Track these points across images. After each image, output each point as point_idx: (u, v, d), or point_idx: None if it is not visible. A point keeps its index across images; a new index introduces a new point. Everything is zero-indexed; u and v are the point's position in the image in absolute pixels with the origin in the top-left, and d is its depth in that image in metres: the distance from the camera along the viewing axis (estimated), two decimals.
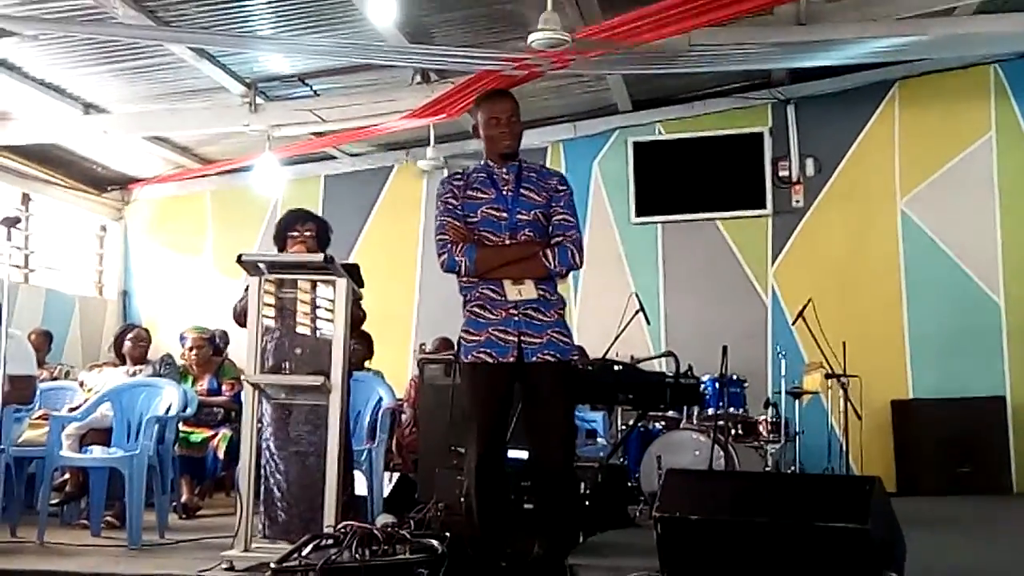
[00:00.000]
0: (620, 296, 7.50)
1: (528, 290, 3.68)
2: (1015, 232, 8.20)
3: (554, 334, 3.71)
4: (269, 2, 6.53)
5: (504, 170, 3.81)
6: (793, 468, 7.19)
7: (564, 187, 3.84)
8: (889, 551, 3.32)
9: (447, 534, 3.78)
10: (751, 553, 3.29)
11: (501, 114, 3.79)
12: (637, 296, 7.12)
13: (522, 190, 3.77)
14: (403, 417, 6.78)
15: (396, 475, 6.21)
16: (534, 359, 3.67)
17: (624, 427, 6.90)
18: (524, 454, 3.78)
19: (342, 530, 3.68)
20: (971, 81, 8.39)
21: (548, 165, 9.08)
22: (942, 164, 8.40)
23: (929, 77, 8.43)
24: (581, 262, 3.77)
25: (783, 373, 7.50)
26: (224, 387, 6.88)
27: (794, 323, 7.78)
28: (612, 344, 6.67)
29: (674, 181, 8.95)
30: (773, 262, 8.73)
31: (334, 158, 9.86)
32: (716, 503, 3.44)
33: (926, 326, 8.26)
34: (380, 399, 5.83)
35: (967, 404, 7.82)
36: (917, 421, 7.96)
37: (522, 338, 3.67)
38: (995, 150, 8.32)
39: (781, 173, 8.67)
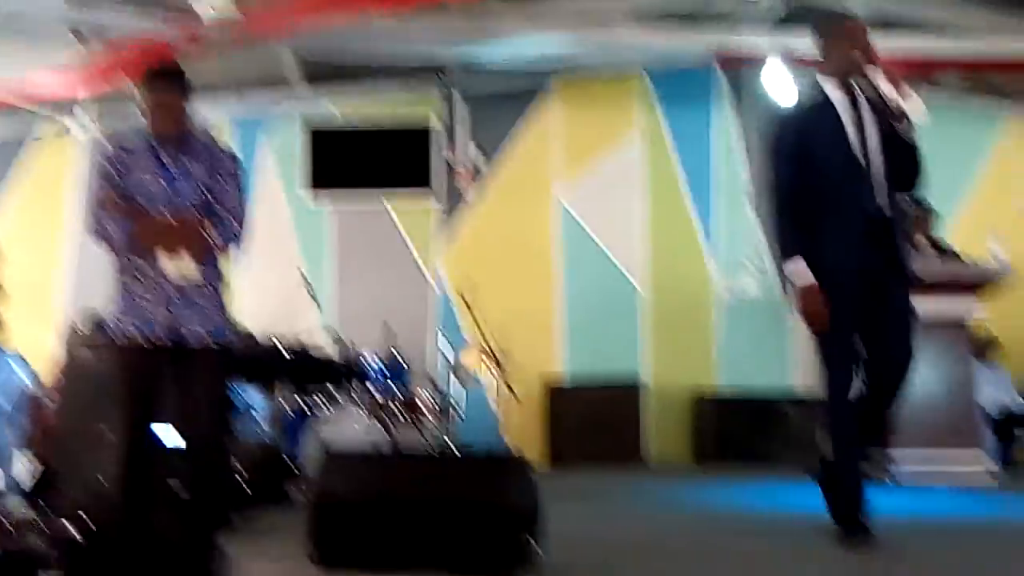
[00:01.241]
0: (289, 277, 7.42)
1: (186, 268, 3.55)
2: (658, 226, 8.98)
3: (211, 315, 3.62)
4: None
5: (170, 144, 3.67)
6: (454, 447, 7.44)
7: (232, 164, 3.75)
8: (531, 523, 3.53)
9: (88, 521, 3.59)
10: (402, 532, 3.39)
11: (161, 102, 3.63)
12: (302, 273, 7.08)
13: (186, 165, 3.64)
14: (48, 403, 6.32)
15: (40, 467, 5.78)
16: (189, 340, 3.56)
17: (287, 408, 6.84)
18: (178, 437, 3.66)
19: None
20: (623, 86, 9.06)
21: (217, 139, 8.80)
22: (595, 160, 9.01)
23: (585, 80, 8.98)
24: (243, 240, 3.70)
25: (447, 355, 7.75)
26: None
27: (459, 307, 8.05)
28: (276, 324, 6.59)
29: (347, 163, 9.00)
30: (441, 248, 8.98)
31: None
32: (369, 484, 3.51)
33: (577, 312, 8.85)
34: (18, 383, 5.41)
35: (610, 384, 8.49)
36: (567, 400, 8.51)
37: (177, 318, 3.55)
38: (641, 151, 9.04)
39: (450, 162, 8.94)
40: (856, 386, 4.12)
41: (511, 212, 8.97)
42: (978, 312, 6.82)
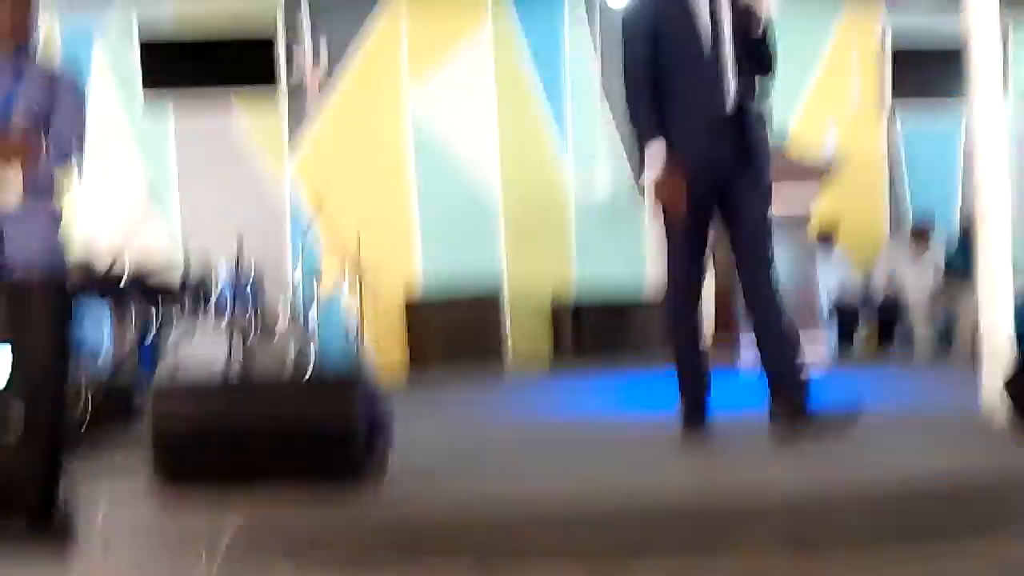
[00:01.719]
0: (130, 191, 7.04)
1: (13, 184, 3.30)
2: (510, 130, 8.88)
3: (43, 236, 3.38)
4: None
5: (6, 54, 3.37)
6: (311, 364, 7.29)
7: (73, 95, 3.45)
8: (372, 447, 3.47)
9: None
10: (246, 462, 3.30)
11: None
12: (145, 185, 6.71)
13: (21, 80, 3.35)
14: None
15: None
16: (16, 276, 3.34)
17: (133, 331, 6.56)
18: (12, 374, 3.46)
19: None
20: None
21: (59, 67, 8.14)
22: (445, 62, 8.79)
23: None
24: (79, 159, 3.45)
25: (302, 268, 7.55)
26: None
27: (313, 217, 7.87)
28: (118, 241, 6.28)
29: (189, 68, 8.45)
30: (291, 153, 8.69)
31: None
32: (211, 415, 3.40)
33: (432, 219, 8.72)
34: None
35: (471, 293, 8.44)
36: (427, 310, 8.45)
37: (4, 240, 3.31)
38: (493, 52, 8.88)
39: (296, 62, 8.56)
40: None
41: (361, 117, 8.67)
42: (816, 201, 7.03)
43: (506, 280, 8.78)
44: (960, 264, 8.14)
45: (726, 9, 4.02)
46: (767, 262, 4.09)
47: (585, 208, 8.95)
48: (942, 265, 8.93)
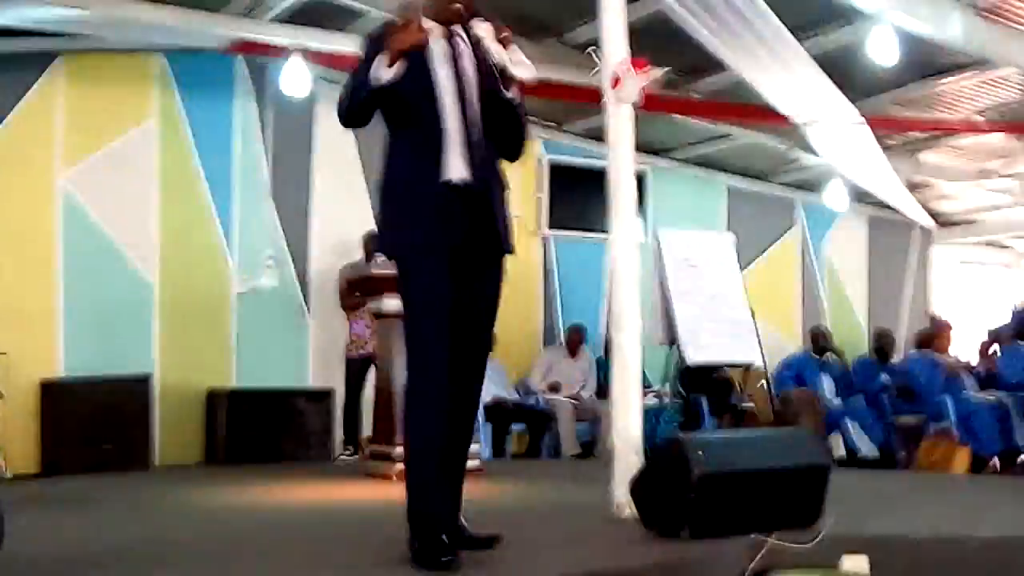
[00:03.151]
0: None
1: None
2: (171, 215, 8.53)
3: None
4: None
5: None
6: None
7: None
8: None
9: None
10: None
11: None
12: None
13: None
14: None
15: None
16: None
17: None
18: None
19: None
20: (137, 66, 8.46)
21: None
22: (105, 144, 8.31)
23: (96, 55, 8.25)
24: None
25: None
26: None
27: None
28: None
29: None
30: None
31: None
32: None
33: (81, 304, 8.10)
34: None
35: (116, 382, 7.88)
36: (65, 400, 7.75)
37: None
38: (157, 136, 8.53)
39: None
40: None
41: (6, 195, 7.92)
42: None
43: (159, 367, 8.30)
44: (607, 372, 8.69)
45: (476, 71, 3.49)
46: (482, 375, 3.67)
47: (248, 299, 8.72)
48: (595, 370, 9.58)
